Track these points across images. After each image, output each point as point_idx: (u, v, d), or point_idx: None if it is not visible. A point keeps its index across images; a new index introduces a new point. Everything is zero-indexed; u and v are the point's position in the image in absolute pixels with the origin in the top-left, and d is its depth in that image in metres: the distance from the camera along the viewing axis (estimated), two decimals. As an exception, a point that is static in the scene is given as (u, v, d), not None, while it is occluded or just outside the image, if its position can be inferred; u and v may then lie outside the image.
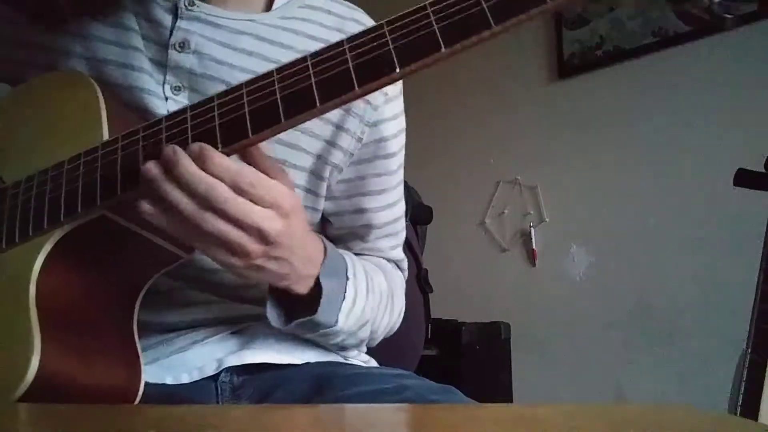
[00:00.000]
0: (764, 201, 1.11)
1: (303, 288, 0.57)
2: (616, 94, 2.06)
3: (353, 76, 0.46)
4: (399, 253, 0.78)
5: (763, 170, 1.07)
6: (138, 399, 0.54)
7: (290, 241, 0.51)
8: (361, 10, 0.73)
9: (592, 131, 2.11)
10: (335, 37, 0.66)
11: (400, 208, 0.76)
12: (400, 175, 0.75)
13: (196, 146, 0.47)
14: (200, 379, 0.63)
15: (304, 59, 0.48)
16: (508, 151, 2.32)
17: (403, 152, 0.75)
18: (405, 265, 0.79)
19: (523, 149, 2.28)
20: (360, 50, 0.47)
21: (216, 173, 0.47)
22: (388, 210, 0.74)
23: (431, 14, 0.45)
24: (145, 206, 0.48)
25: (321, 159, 0.67)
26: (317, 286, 0.58)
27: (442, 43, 0.45)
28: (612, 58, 2.06)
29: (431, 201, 1.25)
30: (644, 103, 1.99)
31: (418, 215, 1.14)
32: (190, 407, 0.52)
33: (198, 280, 0.64)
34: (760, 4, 0.46)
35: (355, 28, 0.69)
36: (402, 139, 0.74)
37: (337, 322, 0.60)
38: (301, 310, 0.59)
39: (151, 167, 0.47)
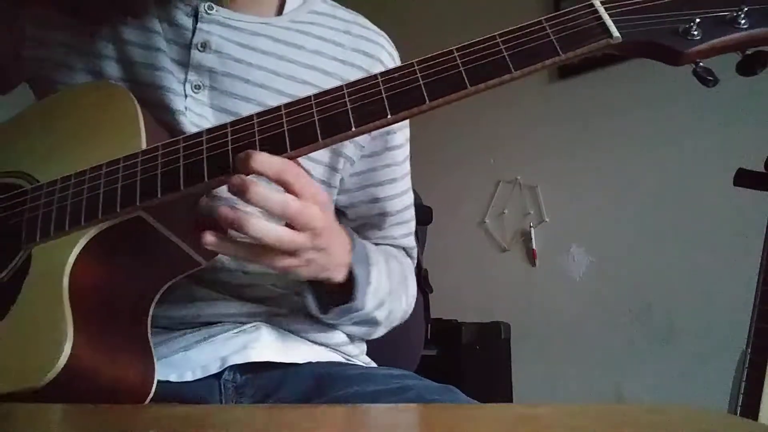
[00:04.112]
0: (764, 201, 1.11)
1: (341, 276, 0.61)
2: (616, 94, 2.06)
3: (386, 105, 0.51)
4: (411, 241, 0.82)
5: (763, 170, 1.07)
6: (150, 397, 0.55)
7: (330, 231, 0.56)
8: (362, 16, 0.78)
9: (592, 131, 2.11)
10: (343, 39, 0.72)
11: (409, 197, 0.81)
12: (407, 167, 0.79)
13: (242, 154, 0.51)
14: (204, 377, 0.64)
15: (340, 88, 0.53)
16: (508, 151, 2.32)
17: (408, 145, 0.79)
18: (415, 253, 0.83)
19: (523, 149, 2.28)
20: (393, 83, 0.52)
21: (261, 169, 0.51)
22: (400, 198, 0.78)
23: (457, 57, 0.51)
24: (211, 239, 0.52)
25: (335, 152, 0.71)
26: (350, 273, 0.62)
27: (467, 82, 0.50)
28: (612, 58, 2.06)
29: (431, 201, 1.25)
30: (644, 104, 1.99)
31: (418, 215, 1.14)
32: (191, 407, 0.52)
33: (203, 279, 0.65)
34: (739, 69, 0.51)
35: (360, 31, 0.74)
36: (407, 132, 0.78)
37: (365, 306, 0.65)
38: (331, 298, 0.63)
39: (227, 211, 0.51)
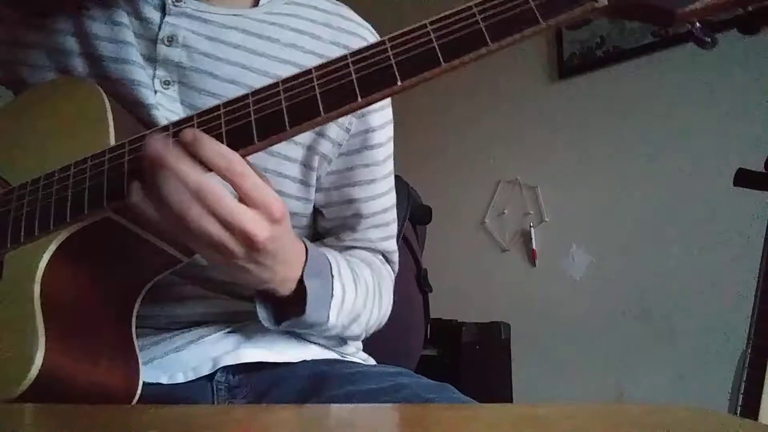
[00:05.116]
0: (764, 201, 1.11)
1: (285, 290, 0.57)
2: (616, 94, 2.06)
3: (356, 87, 0.48)
4: (390, 245, 0.78)
5: (763, 170, 1.07)
6: (136, 399, 0.55)
7: (275, 247, 0.51)
8: (347, 7, 0.74)
9: (592, 131, 2.11)
10: (322, 31, 0.69)
11: (390, 199, 0.77)
12: (388, 167, 0.76)
13: (190, 132, 0.48)
14: (196, 379, 0.63)
15: (308, 71, 0.50)
16: (509, 151, 2.32)
17: (392, 144, 0.76)
18: (395, 257, 0.79)
19: (523, 149, 2.28)
20: (363, 63, 0.49)
21: (209, 157, 0.47)
22: (377, 200, 0.74)
23: (431, 32, 0.48)
24: (136, 194, 0.48)
25: (311, 149, 0.68)
26: (301, 287, 0.58)
27: (441, 58, 0.47)
28: (612, 58, 2.06)
29: (431, 201, 1.25)
30: (644, 104, 1.99)
31: (418, 215, 1.14)
32: (189, 407, 0.52)
33: (192, 276, 0.64)
34: (741, 27, 0.48)
35: (341, 23, 0.71)
36: (389, 131, 0.75)
37: (328, 319, 0.61)
38: (289, 309, 0.59)
39: (155, 148, 0.47)
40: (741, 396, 1.02)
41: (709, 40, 0.47)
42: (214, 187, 0.47)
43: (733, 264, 1.73)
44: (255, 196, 0.48)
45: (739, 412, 1.01)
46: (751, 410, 1.00)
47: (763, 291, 1.03)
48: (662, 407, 0.36)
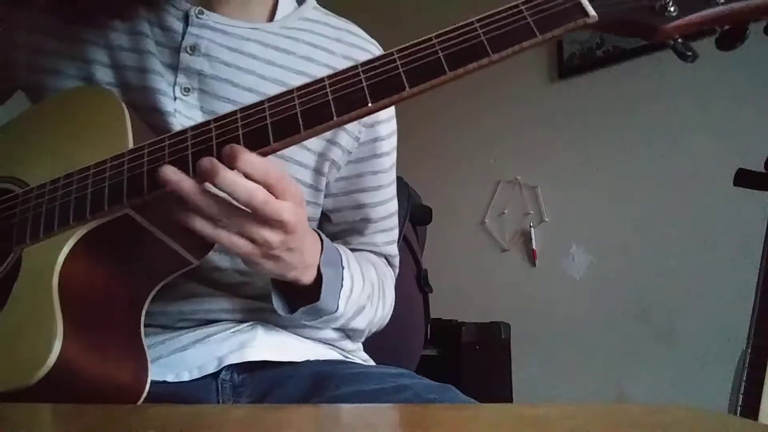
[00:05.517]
0: (764, 201, 1.11)
1: (309, 277, 0.60)
2: (616, 94, 2.06)
3: (367, 93, 0.51)
4: (393, 249, 0.82)
5: (763, 170, 1.07)
6: (144, 396, 0.56)
7: (303, 229, 0.55)
8: (353, 23, 0.78)
9: (592, 131, 2.11)
10: (334, 46, 0.73)
11: (393, 205, 0.81)
12: (392, 175, 0.80)
13: (227, 148, 0.51)
14: (201, 377, 0.64)
15: (321, 80, 0.53)
16: (508, 151, 2.32)
17: (395, 153, 0.80)
18: (397, 261, 0.83)
19: (523, 149, 2.28)
20: (373, 72, 0.52)
21: (247, 170, 0.50)
22: (384, 206, 0.78)
23: (437, 44, 0.51)
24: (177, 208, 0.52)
25: (322, 156, 0.71)
26: (317, 275, 0.61)
27: (446, 67, 0.50)
28: (612, 58, 2.06)
29: (431, 201, 1.25)
30: (644, 104, 1.99)
31: (418, 215, 1.14)
32: (190, 407, 0.52)
33: (198, 275, 0.65)
34: (718, 44, 0.51)
35: (351, 39, 0.75)
36: (394, 141, 0.79)
37: (338, 308, 0.64)
38: (302, 299, 0.62)
39: (185, 180, 0.51)
40: (741, 396, 1.02)
41: (690, 54, 0.53)
42: (260, 195, 0.50)
43: (733, 264, 1.72)
44: (287, 191, 0.52)
45: (739, 412, 1.01)
46: (751, 410, 1.00)
47: (763, 291, 1.03)
48: (662, 407, 0.36)
